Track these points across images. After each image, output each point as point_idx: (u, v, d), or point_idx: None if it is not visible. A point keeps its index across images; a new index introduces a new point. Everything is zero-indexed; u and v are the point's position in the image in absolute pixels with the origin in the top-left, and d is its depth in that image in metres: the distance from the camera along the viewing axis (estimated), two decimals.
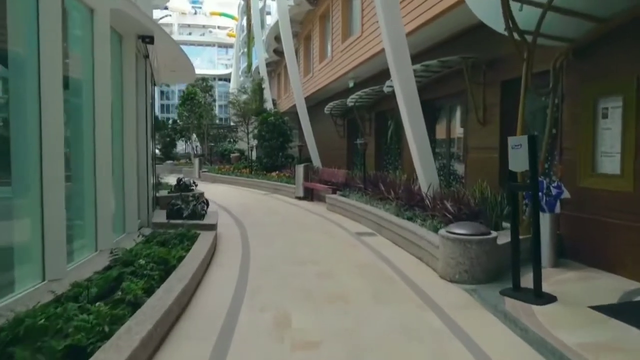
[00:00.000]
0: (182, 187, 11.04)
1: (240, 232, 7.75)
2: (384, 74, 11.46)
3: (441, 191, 7.21)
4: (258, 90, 20.85)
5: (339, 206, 10.00)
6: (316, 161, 15.97)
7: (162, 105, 65.94)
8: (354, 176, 11.55)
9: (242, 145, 25.62)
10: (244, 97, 20.74)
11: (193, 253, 5.13)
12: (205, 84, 25.71)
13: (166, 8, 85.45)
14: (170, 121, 28.96)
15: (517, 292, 4.11)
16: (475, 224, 5.09)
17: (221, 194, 14.07)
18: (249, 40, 30.76)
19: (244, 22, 35.85)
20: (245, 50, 33.89)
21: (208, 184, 18.19)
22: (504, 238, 4.96)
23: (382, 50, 10.09)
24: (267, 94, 20.68)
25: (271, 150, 17.76)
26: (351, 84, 13.58)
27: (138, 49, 7.27)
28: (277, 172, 17.03)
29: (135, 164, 6.78)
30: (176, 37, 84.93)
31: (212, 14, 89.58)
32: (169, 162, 23.71)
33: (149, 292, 3.64)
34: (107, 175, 5.36)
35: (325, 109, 15.66)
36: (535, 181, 4.12)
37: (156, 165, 25.11)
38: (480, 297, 4.25)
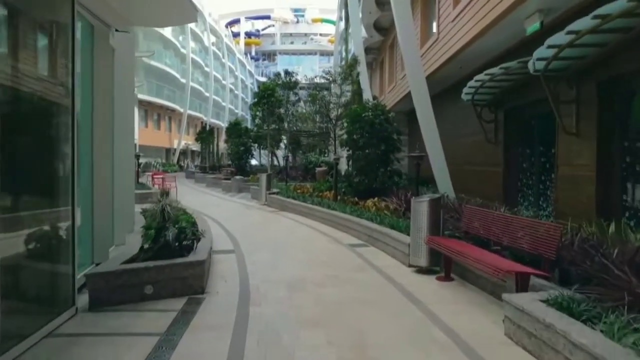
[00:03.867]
0: (162, 247, 5.09)
1: None
2: None
3: None
4: (349, 75, 14.49)
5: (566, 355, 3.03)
6: (444, 185, 9.04)
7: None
8: (577, 239, 4.46)
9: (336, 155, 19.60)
10: (330, 87, 14.53)
11: None
12: (288, 78, 20.31)
13: (269, 17, 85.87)
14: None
15: None
16: None
17: (275, 243, 7.89)
18: (347, 31, 24.91)
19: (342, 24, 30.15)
20: (344, 49, 28.13)
21: (272, 212, 12.34)
22: None
23: None
24: (364, 82, 14.31)
25: (367, 164, 11.26)
26: (535, 26, 6.45)
27: None
28: (376, 198, 10.49)
29: None
30: (278, 46, 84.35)
31: (314, 20, 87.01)
32: (237, 177, 18.64)
33: None
34: None
35: (465, 90, 8.68)
36: None
37: (225, 181, 20.29)
38: None
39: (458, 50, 9.09)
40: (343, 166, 16.77)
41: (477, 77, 8.01)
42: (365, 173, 11.41)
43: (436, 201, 5.93)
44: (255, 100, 19.83)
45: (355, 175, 11.59)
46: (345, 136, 12.43)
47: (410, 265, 6.13)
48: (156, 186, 16.58)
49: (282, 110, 19.95)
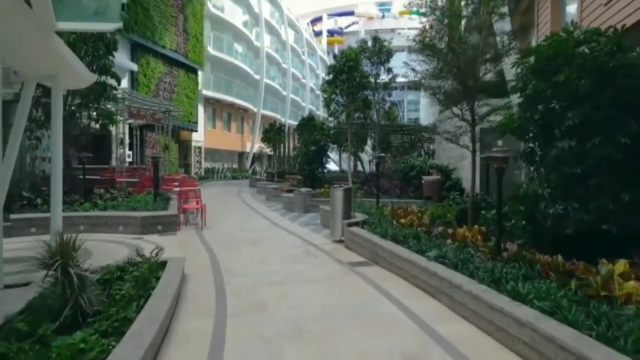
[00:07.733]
0: None
1: None
2: None
3: None
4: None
5: None
6: None
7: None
8: None
9: (449, 154, 12.94)
10: (443, 23, 7.53)
11: None
12: (378, 46, 14.09)
13: (352, 13, 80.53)
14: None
15: None
16: None
17: None
18: None
19: None
20: None
21: (351, 272, 5.93)
22: None
23: None
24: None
25: (585, 173, 4.54)
26: None
27: None
28: (626, 262, 3.76)
29: None
30: None
31: (402, 13, 79.75)
32: (303, 189, 12.58)
33: None
34: None
35: None
36: None
37: (287, 195, 13.83)
38: None
39: None
40: (465, 174, 10.09)
41: None
42: (577, 196, 4.65)
43: None
44: (330, 77, 13.75)
45: (550, 200, 4.86)
46: (514, 110, 5.77)
47: None
48: (191, 203, 11.13)
49: (368, 93, 13.73)
